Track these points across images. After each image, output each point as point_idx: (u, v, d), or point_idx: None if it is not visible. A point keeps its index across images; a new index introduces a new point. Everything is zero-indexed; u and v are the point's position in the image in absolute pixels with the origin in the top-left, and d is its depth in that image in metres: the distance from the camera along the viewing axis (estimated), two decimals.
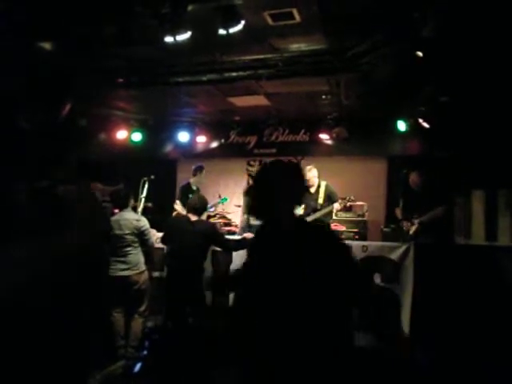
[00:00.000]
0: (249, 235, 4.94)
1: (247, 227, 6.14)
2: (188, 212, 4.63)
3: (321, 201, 5.98)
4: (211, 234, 4.55)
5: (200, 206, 4.65)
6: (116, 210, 4.80)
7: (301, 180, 2.06)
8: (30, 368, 1.60)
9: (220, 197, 6.99)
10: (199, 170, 6.83)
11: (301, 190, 2.07)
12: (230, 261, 5.16)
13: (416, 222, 4.94)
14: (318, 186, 6.09)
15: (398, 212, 5.39)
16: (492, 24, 4.04)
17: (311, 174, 6.06)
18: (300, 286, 1.78)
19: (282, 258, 1.84)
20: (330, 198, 5.97)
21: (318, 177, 6.19)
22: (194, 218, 4.57)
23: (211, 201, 6.18)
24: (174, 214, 6.55)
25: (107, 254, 4.25)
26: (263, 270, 1.88)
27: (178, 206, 6.63)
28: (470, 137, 6.07)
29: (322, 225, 2.36)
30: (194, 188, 6.74)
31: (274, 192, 1.94)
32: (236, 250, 4.77)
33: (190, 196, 6.60)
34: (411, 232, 4.94)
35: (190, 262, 4.40)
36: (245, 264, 2.07)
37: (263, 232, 1.99)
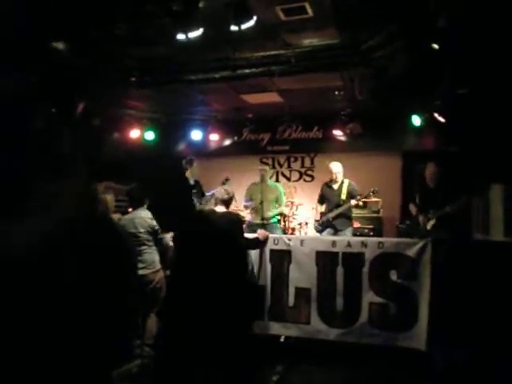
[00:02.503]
0: (265, 233, 4.87)
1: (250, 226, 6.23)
2: (216, 205, 4.55)
3: (343, 197, 6.12)
4: (237, 228, 4.44)
5: (226, 198, 4.51)
6: (130, 209, 4.81)
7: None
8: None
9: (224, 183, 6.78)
10: (189, 163, 6.60)
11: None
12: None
13: (433, 216, 4.87)
14: (341, 183, 6.18)
15: (413, 208, 5.32)
16: (509, 13, 3.94)
17: (336, 168, 6.21)
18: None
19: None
20: (351, 196, 6.06)
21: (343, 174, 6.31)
22: (221, 210, 4.45)
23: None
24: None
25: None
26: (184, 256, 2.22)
27: None
28: (487, 130, 5.96)
29: (231, 216, 2.68)
30: (192, 183, 6.61)
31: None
32: (255, 248, 4.70)
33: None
34: (429, 227, 4.86)
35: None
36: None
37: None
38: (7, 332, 1.43)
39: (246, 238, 4.66)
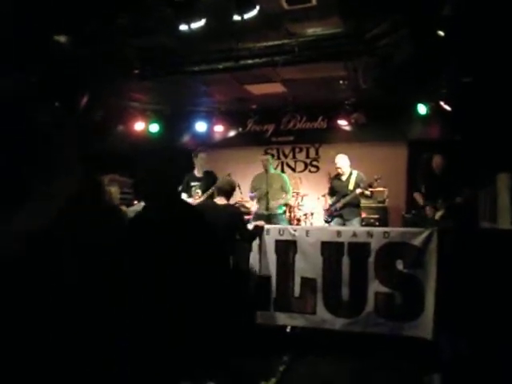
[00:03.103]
0: (261, 223, 4.91)
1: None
2: (217, 195, 4.57)
3: (351, 187, 6.19)
4: (237, 221, 4.46)
5: (228, 189, 4.54)
6: (135, 202, 4.82)
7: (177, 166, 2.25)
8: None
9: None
10: (195, 155, 6.69)
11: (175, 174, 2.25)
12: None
13: (442, 206, 4.84)
14: (350, 174, 6.22)
15: (419, 197, 5.29)
16: None
17: (342, 161, 6.31)
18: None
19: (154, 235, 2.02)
20: (358, 186, 6.10)
21: (350, 166, 6.37)
22: (221, 201, 4.51)
23: None
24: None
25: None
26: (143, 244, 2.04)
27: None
28: (493, 119, 5.90)
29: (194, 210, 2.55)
30: (199, 175, 6.62)
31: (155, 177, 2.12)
32: (253, 239, 4.72)
33: (192, 184, 6.60)
34: (437, 217, 4.84)
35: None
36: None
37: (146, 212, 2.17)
38: (8, 331, 1.43)
39: (247, 230, 4.67)
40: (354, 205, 6.22)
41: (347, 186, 6.23)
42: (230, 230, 4.35)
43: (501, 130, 5.86)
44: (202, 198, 6.28)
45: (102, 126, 7.76)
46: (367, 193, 6.17)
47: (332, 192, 6.53)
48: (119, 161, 7.24)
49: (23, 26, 4.29)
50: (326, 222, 6.43)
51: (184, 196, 6.70)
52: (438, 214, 4.85)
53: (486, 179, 6.26)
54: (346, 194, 6.19)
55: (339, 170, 6.30)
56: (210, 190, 6.15)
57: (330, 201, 6.59)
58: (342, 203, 6.20)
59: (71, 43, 5.08)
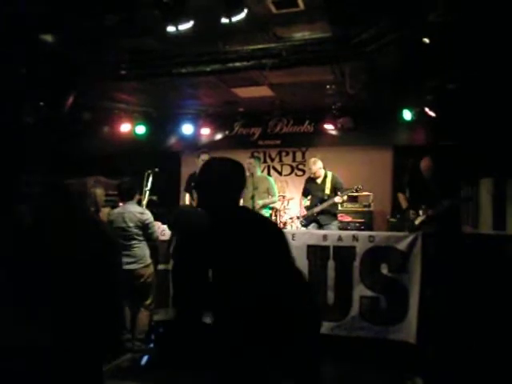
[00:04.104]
0: None
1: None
2: None
3: (327, 191, 6.16)
4: None
5: None
6: (121, 204, 4.77)
7: (239, 174, 2.25)
8: None
9: None
10: (196, 156, 6.76)
11: (239, 183, 2.21)
12: None
13: (422, 213, 4.88)
14: (325, 177, 6.21)
15: (402, 199, 5.33)
16: (501, 9, 3.95)
17: (316, 166, 6.25)
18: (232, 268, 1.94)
19: (221, 244, 1.99)
20: (335, 189, 6.07)
21: (324, 168, 6.33)
22: None
23: None
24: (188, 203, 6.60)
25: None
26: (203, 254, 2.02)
27: (186, 197, 6.72)
28: (476, 125, 5.99)
29: (265, 217, 2.51)
30: None
31: (216, 186, 2.11)
32: None
33: (193, 185, 6.61)
34: (417, 222, 4.88)
35: None
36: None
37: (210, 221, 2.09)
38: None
39: None
40: (331, 212, 6.19)
41: (323, 189, 6.19)
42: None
43: (484, 136, 5.95)
44: None
45: (88, 126, 7.70)
46: (345, 198, 6.18)
47: (306, 193, 6.49)
48: (104, 162, 7.20)
49: (10, 20, 4.25)
50: (303, 226, 6.39)
51: (187, 197, 6.73)
52: (419, 220, 4.88)
53: (469, 184, 6.35)
54: (323, 199, 6.15)
55: (316, 174, 6.29)
56: None
57: (304, 202, 6.55)
58: (320, 209, 6.16)
59: (58, 43, 5.03)
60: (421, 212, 4.88)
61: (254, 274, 1.89)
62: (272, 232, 2.10)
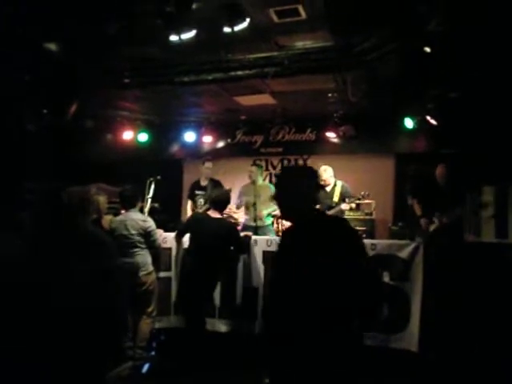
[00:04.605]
0: (249, 233, 4.94)
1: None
2: (209, 207, 4.58)
3: (336, 199, 6.17)
4: (232, 234, 4.50)
5: (219, 200, 4.57)
6: (123, 211, 4.78)
7: (313, 180, 2.40)
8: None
9: None
10: (201, 164, 6.92)
11: (314, 189, 2.37)
12: None
13: (437, 220, 4.87)
14: (334, 185, 6.22)
15: (417, 207, 5.30)
16: (501, 18, 3.97)
17: (327, 174, 6.26)
18: (315, 272, 2.07)
19: (302, 247, 2.15)
20: (344, 198, 6.08)
21: (334, 176, 6.35)
22: (214, 214, 4.51)
23: None
24: (189, 210, 6.68)
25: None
26: (289, 257, 2.21)
27: (188, 204, 6.76)
28: (478, 133, 5.99)
29: (341, 219, 2.69)
30: (204, 184, 6.76)
31: (293, 192, 2.28)
32: (246, 252, 4.75)
33: (197, 192, 6.67)
34: (431, 229, 4.87)
35: (212, 262, 4.35)
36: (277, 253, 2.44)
37: (290, 227, 2.33)
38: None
39: (242, 243, 4.69)
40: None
41: (332, 197, 6.19)
42: (220, 242, 4.37)
43: (486, 144, 5.95)
44: (203, 208, 6.36)
45: (91, 134, 7.74)
46: (353, 205, 6.17)
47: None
48: (107, 170, 7.23)
49: (14, 29, 4.28)
50: None
51: (189, 204, 6.79)
52: (432, 227, 4.88)
53: (471, 192, 6.33)
54: (331, 206, 6.18)
55: (325, 182, 6.29)
56: None
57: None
58: None
59: (61, 51, 5.07)
60: (435, 220, 4.87)
61: (337, 273, 2.04)
62: (352, 232, 2.23)
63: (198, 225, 4.54)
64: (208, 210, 4.65)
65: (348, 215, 7.19)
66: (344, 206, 6.00)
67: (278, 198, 2.37)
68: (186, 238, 4.78)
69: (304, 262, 2.11)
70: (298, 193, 2.26)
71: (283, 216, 2.39)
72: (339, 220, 2.41)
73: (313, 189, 2.33)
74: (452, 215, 4.71)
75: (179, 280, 4.79)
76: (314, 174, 2.41)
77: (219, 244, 4.36)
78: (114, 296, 1.97)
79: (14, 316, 1.57)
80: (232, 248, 4.56)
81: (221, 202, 4.57)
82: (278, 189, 2.41)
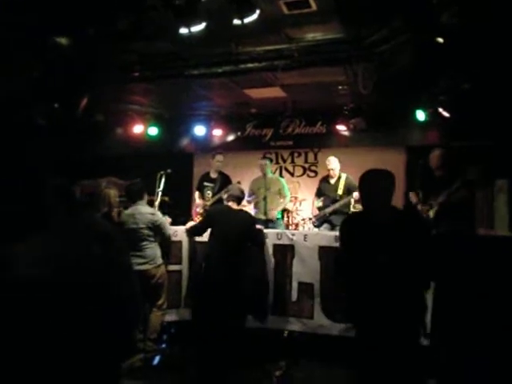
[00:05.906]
0: (260, 227, 4.93)
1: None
2: (230, 200, 4.59)
3: (340, 192, 6.15)
4: (251, 225, 4.50)
5: (239, 195, 4.59)
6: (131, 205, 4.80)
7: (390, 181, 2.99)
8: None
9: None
10: (211, 157, 6.92)
11: (391, 188, 2.95)
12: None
13: (435, 203, 4.85)
14: (339, 178, 6.20)
15: (413, 196, 5.31)
16: None
17: (333, 164, 6.21)
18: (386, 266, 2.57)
19: (374, 241, 2.67)
20: (349, 191, 6.05)
21: (339, 169, 6.38)
22: (234, 206, 4.54)
23: None
24: (197, 203, 6.74)
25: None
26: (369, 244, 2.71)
27: (196, 195, 6.78)
28: (491, 125, 5.92)
29: (415, 214, 3.23)
30: (214, 176, 6.77)
31: (370, 191, 2.92)
32: (264, 244, 4.73)
33: (206, 184, 6.68)
34: (431, 215, 4.85)
35: (234, 254, 4.31)
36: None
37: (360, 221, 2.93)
38: (14, 329, 1.43)
39: (259, 234, 4.67)
40: (344, 212, 6.14)
41: (336, 189, 6.18)
42: (243, 233, 4.36)
43: (499, 136, 5.87)
44: (211, 201, 6.37)
45: (101, 128, 7.77)
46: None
47: (319, 194, 6.49)
48: (118, 163, 7.26)
49: (23, 27, 4.29)
50: (315, 227, 6.37)
51: (197, 194, 6.81)
52: (432, 211, 4.85)
53: (484, 185, 6.27)
54: (335, 199, 6.13)
55: (331, 172, 6.28)
56: (220, 194, 6.24)
57: (316, 203, 6.53)
58: (332, 209, 6.16)
59: (72, 46, 5.08)
60: (433, 203, 4.86)
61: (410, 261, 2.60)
62: (423, 224, 2.95)
63: (222, 217, 4.51)
64: (216, 202, 4.61)
65: (357, 208, 7.15)
66: (356, 195, 5.95)
67: (361, 194, 2.96)
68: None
69: (384, 249, 2.59)
70: (378, 191, 2.88)
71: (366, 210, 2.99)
72: (410, 213, 3.03)
73: (390, 187, 2.93)
74: (453, 198, 4.70)
75: (199, 271, 4.64)
76: (390, 176, 3.00)
77: (245, 233, 4.37)
78: (127, 286, 1.98)
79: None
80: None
81: (240, 196, 4.61)
82: (361, 188, 2.98)
